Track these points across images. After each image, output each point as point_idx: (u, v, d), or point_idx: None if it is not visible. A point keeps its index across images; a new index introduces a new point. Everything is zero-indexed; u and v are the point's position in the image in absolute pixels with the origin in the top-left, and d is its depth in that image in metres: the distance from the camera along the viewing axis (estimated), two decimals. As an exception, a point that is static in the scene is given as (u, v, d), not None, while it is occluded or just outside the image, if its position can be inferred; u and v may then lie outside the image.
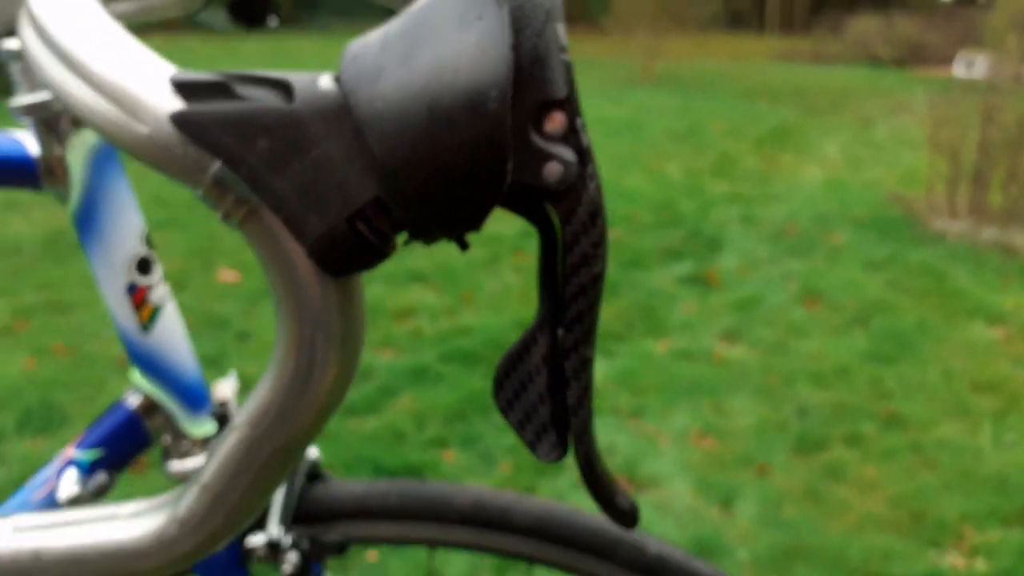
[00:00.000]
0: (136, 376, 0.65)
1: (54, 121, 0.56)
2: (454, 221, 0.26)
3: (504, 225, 4.07)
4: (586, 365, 0.28)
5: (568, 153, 0.26)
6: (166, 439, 0.66)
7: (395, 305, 3.13)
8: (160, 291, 0.63)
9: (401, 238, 0.27)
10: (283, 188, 0.25)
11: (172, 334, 0.64)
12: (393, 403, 2.41)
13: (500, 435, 2.22)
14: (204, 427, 0.67)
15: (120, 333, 0.63)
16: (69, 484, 0.60)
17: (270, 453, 0.29)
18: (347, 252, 0.26)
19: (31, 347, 2.77)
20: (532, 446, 0.30)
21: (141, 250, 0.61)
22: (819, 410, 2.39)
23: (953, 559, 1.83)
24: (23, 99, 0.52)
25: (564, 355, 0.28)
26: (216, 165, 0.25)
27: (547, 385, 0.29)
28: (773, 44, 15.82)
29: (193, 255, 3.70)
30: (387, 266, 3.56)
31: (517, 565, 1.71)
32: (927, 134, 4.34)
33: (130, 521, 0.33)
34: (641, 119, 7.13)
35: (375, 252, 0.26)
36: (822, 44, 14.11)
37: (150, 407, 0.65)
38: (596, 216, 0.27)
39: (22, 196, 4.16)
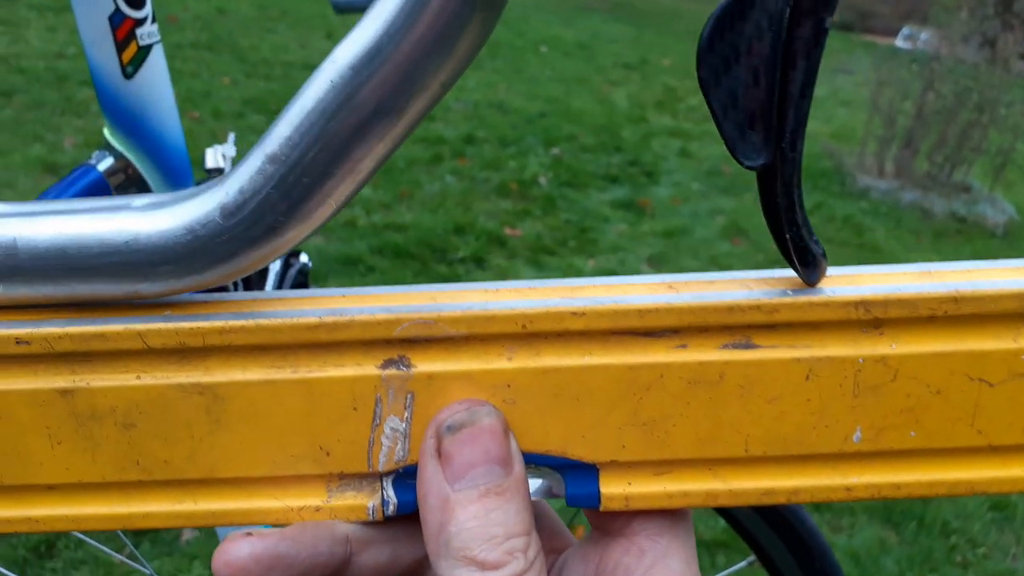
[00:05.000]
0: (108, 133, 0.55)
1: None
2: None
3: (448, 128, 4.02)
4: (820, 37, 0.22)
5: None
6: None
7: (330, 193, 3.08)
8: (149, 30, 0.53)
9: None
10: None
11: (158, 84, 0.54)
12: (320, 287, 2.39)
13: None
14: None
15: (95, 77, 0.53)
16: None
17: (374, 110, 0.21)
18: None
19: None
20: (732, 144, 0.23)
21: None
22: (734, 339, 2.48)
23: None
24: None
25: (798, 19, 0.21)
26: None
27: (767, 57, 0.22)
28: (729, -10, 15.77)
29: None
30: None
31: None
32: (869, 94, 4.44)
33: (148, 213, 0.23)
34: (593, 44, 7.07)
35: None
36: (776, -4, 14.13)
37: (122, 172, 0.55)
38: None
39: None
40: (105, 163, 0.55)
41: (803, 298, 0.25)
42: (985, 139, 4.09)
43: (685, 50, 7.74)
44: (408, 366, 0.25)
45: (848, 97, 6.46)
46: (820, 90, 6.84)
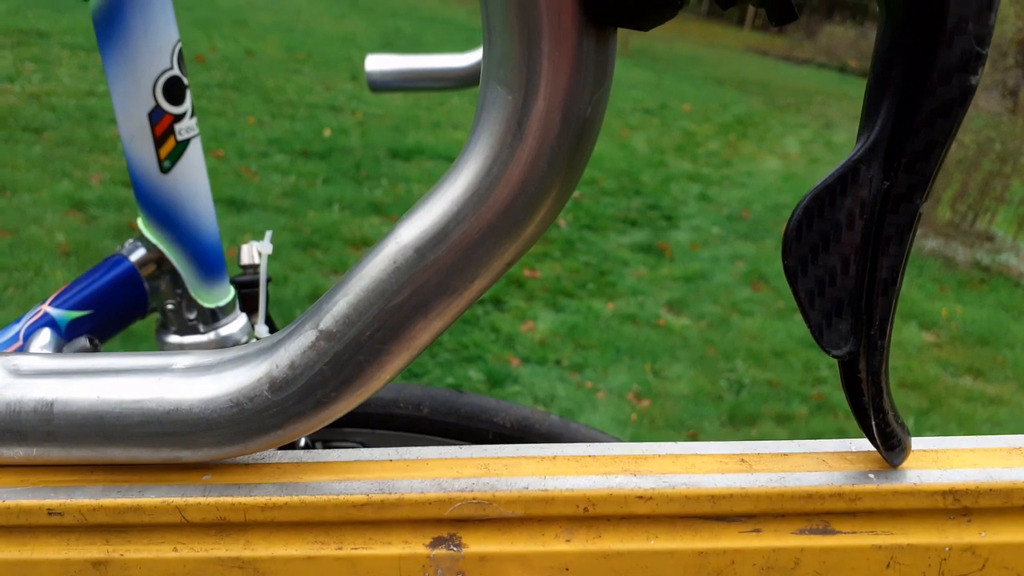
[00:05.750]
0: (142, 224, 0.55)
1: None
2: None
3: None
4: (912, 223, 0.21)
5: None
6: (169, 305, 0.56)
7: (351, 234, 3.10)
8: (187, 124, 0.53)
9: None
10: None
11: (194, 178, 0.54)
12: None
13: (443, 372, 2.23)
14: (217, 296, 0.56)
15: (132, 170, 0.53)
16: (40, 348, 0.48)
17: (436, 291, 0.20)
18: None
19: (-31, 223, 2.68)
20: (817, 332, 0.22)
21: (172, 69, 0.50)
22: (754, 387, 2.46)
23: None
24: None
25: (891, 204, 0.20)
26: None
27: (858, 245, 0.21)
28: (748, 37, 15.94)
29: None
30: (347, 193, 3.52)
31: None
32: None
33: (192, 379, 0.22)
34: (613, 89, 7.12)
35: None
36: (796, 45, 14.28)
37: (154, 263, 0.55)
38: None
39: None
40: (137, 253, 0.55)
41: (887, 485, 0.24)
42: (1007, 189, 4.08)
43: (704, 95, 7.80)
44: (459, 546, 0.24)
45: (868, 144, 6.47)
46: (841, 137, 6.85)
